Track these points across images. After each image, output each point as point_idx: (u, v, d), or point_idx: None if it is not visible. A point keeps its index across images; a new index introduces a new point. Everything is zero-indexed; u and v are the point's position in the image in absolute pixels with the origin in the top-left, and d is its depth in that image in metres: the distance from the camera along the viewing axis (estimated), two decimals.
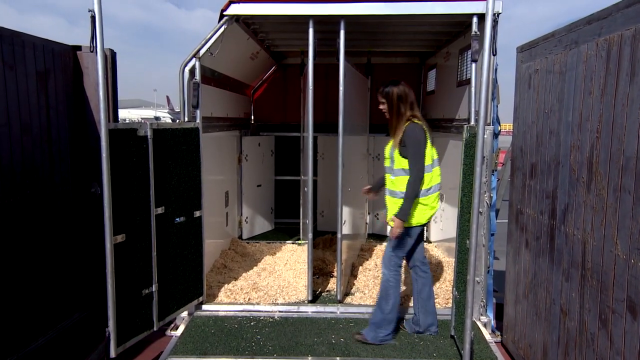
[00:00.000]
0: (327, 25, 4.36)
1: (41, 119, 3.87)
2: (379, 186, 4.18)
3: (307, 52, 4.32)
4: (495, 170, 4.03)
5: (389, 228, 3.82)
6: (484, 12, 3.18)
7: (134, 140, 3.46)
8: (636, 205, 2.21)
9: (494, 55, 3.77)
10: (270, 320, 4.24)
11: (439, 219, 6.31)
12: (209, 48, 4.29)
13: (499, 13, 3.86)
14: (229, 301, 4.58)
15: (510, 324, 3.83)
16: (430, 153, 3.60)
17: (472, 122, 4.14)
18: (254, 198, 7.02)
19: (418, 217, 3.62)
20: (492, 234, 4.14)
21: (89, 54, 4.24)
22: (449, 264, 5.49)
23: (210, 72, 4.92)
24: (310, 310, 4.42)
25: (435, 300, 4.56)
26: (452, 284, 4.38)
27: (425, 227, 3.99)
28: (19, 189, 3.64)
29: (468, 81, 4.36)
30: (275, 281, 5.07)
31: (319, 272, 5.31)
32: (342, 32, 4.24)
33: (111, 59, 4.27)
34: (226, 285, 4.87)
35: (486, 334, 4.04)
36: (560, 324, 2.95)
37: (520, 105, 3.66)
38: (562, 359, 2.93)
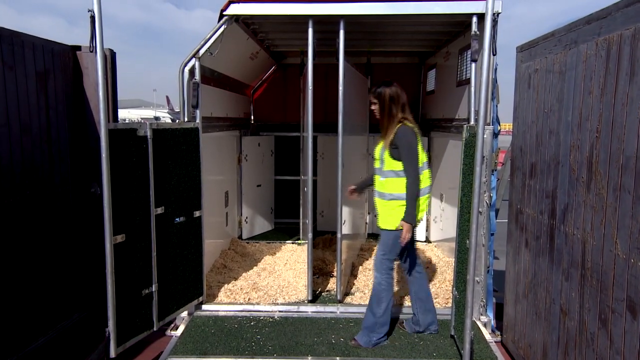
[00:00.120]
0: (326, 25, 4.36)
1: (41, 119, 3.87)
2: (364, 186, 4.16)
3: (306, 52, 4.32)
4: (495, 170, 4.03)
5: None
6: (484, 11, 3.18)
7: (134, 140, 3.46)
8: (636, 204, 2.21)
9: (493, 55, 3.77)
10: (270, 320, 4.24)
11: (438, 218, 6.31)
12: (208, 48, 4.29)
13: (499, 13, 3.87)
14: (229, 301, 4.58)
15: (510, 323, 3.83)
16: (421, 156, 3.59)
17: (472, 122, 4.14)
18: (253, 198, 7.02)
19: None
20: (492, 234, 4.14)
21: (89, 54, 4.23)
22: (449, 263, 5.49)
23: (210, 72, 4.92)
24: (310, 310, 4.42)
25: (435, 300, 4.57)
26: (452, 283, 4.38)
27: (416, 229, 3.95)
28: (18, 190, 3.64)
29: (468, 81, 4.36)
30: (275, 281, 5.07)
31: (319, 272, 5.31)
32: (341, 32, 4.24)
33: (111, 59, 4.27)
34: (226, 285, 4.87)
35: (486, 333, 4.04)
36: (560, 323, 2.95)
37: (520, 105, 3.66)
38: (562, 359, 2.93)
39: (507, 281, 3.89)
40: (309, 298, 4.55)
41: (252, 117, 7.61)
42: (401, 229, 3.55)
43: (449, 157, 5.71)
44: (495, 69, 4.01)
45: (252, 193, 6.96)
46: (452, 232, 4.60)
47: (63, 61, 4.13)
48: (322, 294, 4.80)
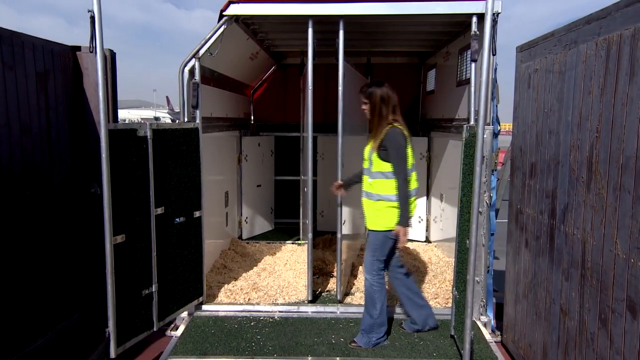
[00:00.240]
0: (326, 25, 4.36)
1: (41, 120, 3.87)
2: (351, 183, 4.16)
3: (306, 52, 4.32)
4: (495, 170, 4.03)
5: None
6: (484, 11, 3.18)
7: (134, 140, 3.46)
8: (636, 204, 2.21)
9: (493, 55, 3.77)
10: (270, 320, 4.24)
11: (438, 218, 6.31)
12: (208, 48, 4.29)
13: (499, 13, 3.87)
14: (229, 301, 4.58)
15: (510, 323, 3.83)
16: (409, 159, 3.57)
17: (472, 122, 4.14)
18: (253, 198, 7.02)
19: (395, 221, 3.54)
20: (492, 234, 4.14)
21: (89, 55, 4.23)
22: (448, 264, 5.49)
23: (209, 72, 4.92)
24: (310, 310, 4.42)
25: (435, 300, 4.58)
26: (452, 283, 4.38)
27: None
28: (18, 190, 3.64)
29: (468, 81, 4.36)
30: (275, 281, 5.07)
31: (319, 272, 5.31)
32: (341, 32, 4.24)
33: (111, 60, 4.27)
34: (226, 286, 4.87)
35: (486, 333, 4.04)
36: (560, 323, 2.95)
37: (519, 105, 3.66)
38: (562, 359, 2.93)
39: (507, 281, 3.89)
40: (309, 298, 4.55)
41: (252, 117, 7.61)
42: (387, 229, 3.53)
43: (449, 157, 5.71)
44: (495, 69, 4.01)
45: (252, 193, 6.96)
46: (452, 232, 4.60)
47: (63, 62, 4.13)
48: (322, 294, 4.80)
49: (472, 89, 4.14)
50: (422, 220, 6.80)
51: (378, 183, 3.58)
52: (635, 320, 2.21)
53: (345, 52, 4.29)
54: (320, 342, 3.84)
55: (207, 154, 4.57)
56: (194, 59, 4.26)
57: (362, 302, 4.55)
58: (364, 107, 3.67)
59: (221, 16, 4.28)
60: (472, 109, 4.16)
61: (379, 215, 3.59)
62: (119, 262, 3.32)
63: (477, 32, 4.00)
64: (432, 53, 6.69)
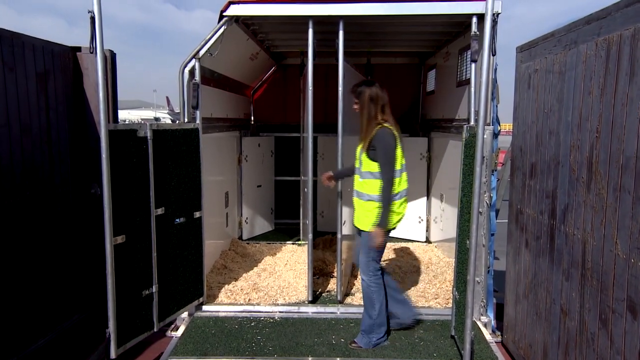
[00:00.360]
0: (326, 25, 4.36)
1: (41, 120, 3.87)
2: (341, 175, 4.15)
3: (306, 52, 4.32)
4: (495, 170, 4.03)
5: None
6: (484, 12, 3.19)
7: (134, 141, 3.46)
8: (636, 204, 2.21)
9: (493, 55, 3.77)
10: (271, 320, 4.24)
11: (438, 219, 6.31)
12: (208, 49, 4.29)
13: (499, 13, 3.87)
14: (229, 302, 4.58)
15: (510, 324, 3.83)
16: (400, 159, 3.56)
17: (472, 122, 4.14)
18: (254, 198, 7.02)
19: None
20: (492, 234, 4.14)
21: (89, 55, 4.23)
22: (449, 264, 5.49)
23: (210, 72, 4.92)
24: (310, 310, 4.42)
25: (436, 301, 4.58)
26: (452, 284, 4.38)
27: (394, 231, 3.90)
28: (18, 190, 3.64)
29: (468, 81, 4.36)
30: (276, 282, 5.07)
31: (319, 272, 5.31)
32: (341, 33, 4.24)
33: (111, 60, 4.27)
34: (226, 286, 4.87)
35: (486, 334, 4.04)
36: (560, 323, 2.95)
37: (519, 105, 3.66)
38: (562, 359, 2.92)
39: (508, 281, 3.89)
40: (310, 298, 4.55)
41: (252, 118, 7.61)
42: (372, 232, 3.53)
43: (449, 157, 5.71)
44: (495, 69, 4.01)
45: (252, 194, 6.96)
46: (452, 232, 4.60)
47: (63, 62, 4.13)
48: (323, 294, 4.80)
49: (472, 89, 4.14)
50: (422, 220, 6.80)
51: (368, 183, 3.58)
52: (635, 321, 2.21)
53: (345, 53, 4.30)
54: (320, 342, 3.84)
55: (207, 155, 4.57)
56: (194, 60, 4.27)
57: (362, 303, 4.56)
58: (355, 106, 3.66)
59: (221, 17, 4.28)
60: (472, 109, 4.16)
61: (369, 215, 3.59)
62: (119, 263, 3.33)
63: (477, 33, 4.00)
64: (432, 53, 6.69)
